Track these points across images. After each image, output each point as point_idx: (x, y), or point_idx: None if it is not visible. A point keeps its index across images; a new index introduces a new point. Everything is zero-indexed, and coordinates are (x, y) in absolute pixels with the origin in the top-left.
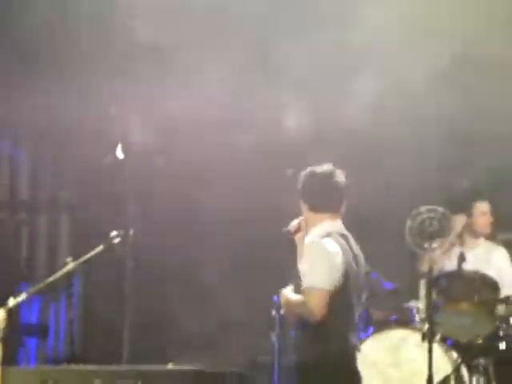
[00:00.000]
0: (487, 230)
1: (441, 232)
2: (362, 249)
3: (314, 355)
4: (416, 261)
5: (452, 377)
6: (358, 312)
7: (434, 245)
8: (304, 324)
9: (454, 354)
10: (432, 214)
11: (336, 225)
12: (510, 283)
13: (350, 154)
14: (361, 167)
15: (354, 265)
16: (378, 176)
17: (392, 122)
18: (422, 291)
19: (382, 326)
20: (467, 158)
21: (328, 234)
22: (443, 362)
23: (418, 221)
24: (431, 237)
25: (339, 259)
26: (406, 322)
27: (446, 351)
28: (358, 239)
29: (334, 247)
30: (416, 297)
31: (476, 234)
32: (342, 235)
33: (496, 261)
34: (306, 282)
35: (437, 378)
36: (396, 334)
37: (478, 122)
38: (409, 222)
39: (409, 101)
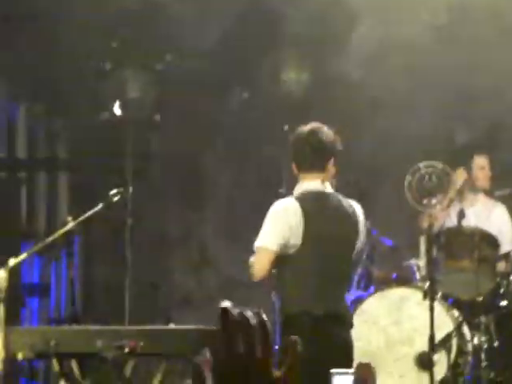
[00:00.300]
0: (486, 184)
1: (440, 188)
2: (363, 205)
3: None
4: (416, 217)
5: (453, 335)
6: (344, 273)
7: (434, 201)
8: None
9: (456, 312)
10: (431, 170)
11: (314, 184)
12: (509, 240)
13: (347, 109)
14: (358, 122)
15: (327, 226)
16: (375, 131)
17: (389, 76)
18: (422, 248)
19: (383, 284)
20: (466, 112)
21: (301, 194)
22: (444, 320)
23: (416, 177)
24: (430, 193)
25: (294, 220)
26: (406, 279)
27: (448, 309)
28: (356, 196)
29: (289, 208)
30: (416, 254)
31: (475, 190)
32: (318, 194)
33: (496, 217)
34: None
35: (438, 336)
36: (397, 293)
37: (478, 76)
38: (408, 178)
39: (407, 55)
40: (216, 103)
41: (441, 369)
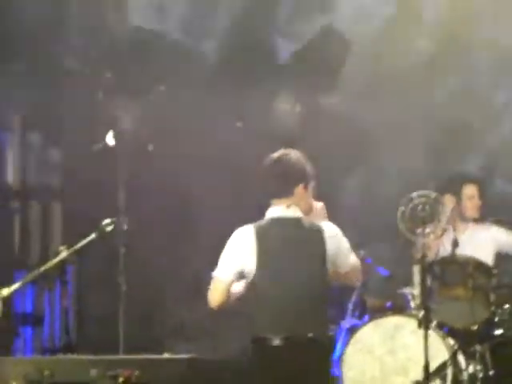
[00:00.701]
0: (476, 213)
1: (433, 217)
2: (355, 235)
3: None
4: (410, 247)
5: (449, 363)
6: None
7: (427, 230)
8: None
9: (451, 341)
10: (424, 200)
11: (277, 209)
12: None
13: (339, 141)
14: (351, 155)
15: (282, 251)
16: (368, 163)
17: (380, 110)
18: (416, 277)
19: (377, 312)
20: (458, 142)
21: (261, 221)
22: (439, 349)
23: (410, 206)
24: (424, 222)
25: (247, 247)
26: (401, 308)
27: (443, 338)
28: (351, 227)
29: (243, 235)
30: (410, 283)
31: (465, 218)
32: (278, 220)
33: (494, 234)
34: None
35: (433, 364)
36: (391, 321)
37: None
38: (401, 208)
39: (397, 88)
40: (208, 134)
41: None
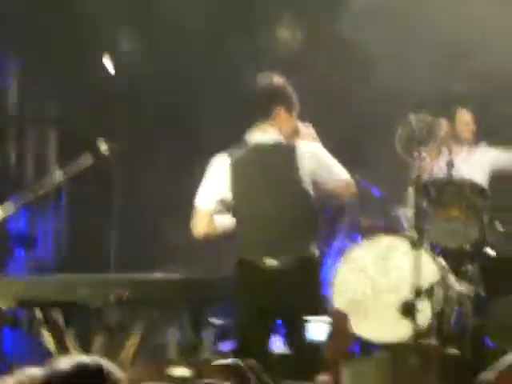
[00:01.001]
0: (470, 137)
1: (429, 139)
2: (354, 156)
3: None
4: (407, 169)
5: (440, 283)
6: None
7: (423, 152)
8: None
9: (442, 262)
10: (422, 122)
11: (254, 134)
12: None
13: (340, 62)
14: (351, 73)
15: (256, 175)
16: (368, 85)
17: (382, 30)
18: (411, 198)
19: (370, 233)
20: (458, 66)
21: (236, 147)
22: (431, 270)
23: (407, 129)
24: (420, 144)
25: (222, 175)
26: (394, 229)
27: (434, 258)
28: (348, 147)
29: (218, 164)
30: (404, 204)
31: (460, 141)
32: (256, 145)
33: (484, 167)
34: None
35: (424, 284)
36: (384, 242)
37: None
38: (399, 130)
39: (401, 12)
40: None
41: (426, 317)
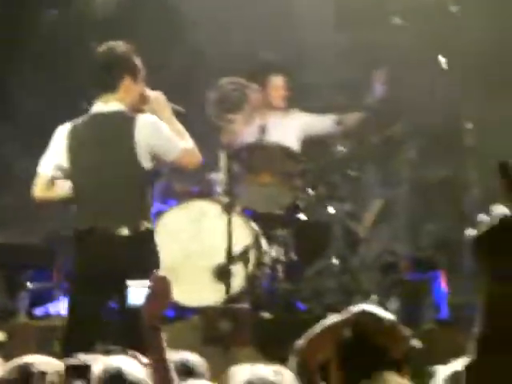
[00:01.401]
0: (282, 103)
1: (242, 104)
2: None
3: None
4: (219, 133)
5: (251, 247)
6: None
7: (235, 116)
8: None
9: (254, 226)
10: (233, 86)
11: (97, 105)
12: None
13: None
14: (170, 39)
15: (89, 146)
16: (186, 48)
17: None
18: (223, 163)
19: (184, 197)
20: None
21: (81, 117)
22: (243, 233)
23: (218, 93)
24: (231, 109)
25: (62, 143)
26: (208, 194)
27: (246, 223)
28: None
29: (58, 134)
30: (218, 169)
31: (272, 107)
32: (96, 116)
33: (297, 132)
34: None
35: (237, 249)
36: (197, 206)
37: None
38: (210, 94)
39: None
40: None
41: (238, 280)
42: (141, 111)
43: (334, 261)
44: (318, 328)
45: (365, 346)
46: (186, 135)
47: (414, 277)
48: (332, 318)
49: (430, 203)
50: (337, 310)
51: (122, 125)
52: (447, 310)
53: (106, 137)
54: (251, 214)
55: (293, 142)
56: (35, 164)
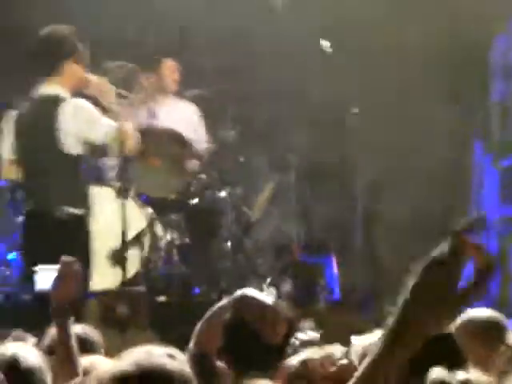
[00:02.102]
0: (174, 87)
1: (128, 88)
2: None
3: None
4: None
5: (146, 231)
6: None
7: (124, 100)
8: None
9: (149, 210)
10: (119, 71)
11: (39, 88)
12: (200, 138)
13: None
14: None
15: (24, 128)
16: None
17: None
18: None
19: None
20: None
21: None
22: (138, 218)
23: (107, 76)
24: (120, 93)
25: (9, 128)
26: (100, 178)
27: (140, 207)
28: None
29: (8, 117)
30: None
31: (165, 91)
32: (36, 100)
33: (188, 117)
34: None
35: (131, 233)
36: (91, 191)
37: None
38: None
39: None
40: None
41: (134, 264)
42: (83, 95)
43: (228, 244)
44: (206, 314)
45: (244, 331)
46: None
47: (307, 259)
48: (220, 303)
49: (320, 186)
50: (231, 293)
51: (51, 109)
52: (339, 291)
53: (38, 121)
54: (145, 199)
55: (185, 127)
56: None
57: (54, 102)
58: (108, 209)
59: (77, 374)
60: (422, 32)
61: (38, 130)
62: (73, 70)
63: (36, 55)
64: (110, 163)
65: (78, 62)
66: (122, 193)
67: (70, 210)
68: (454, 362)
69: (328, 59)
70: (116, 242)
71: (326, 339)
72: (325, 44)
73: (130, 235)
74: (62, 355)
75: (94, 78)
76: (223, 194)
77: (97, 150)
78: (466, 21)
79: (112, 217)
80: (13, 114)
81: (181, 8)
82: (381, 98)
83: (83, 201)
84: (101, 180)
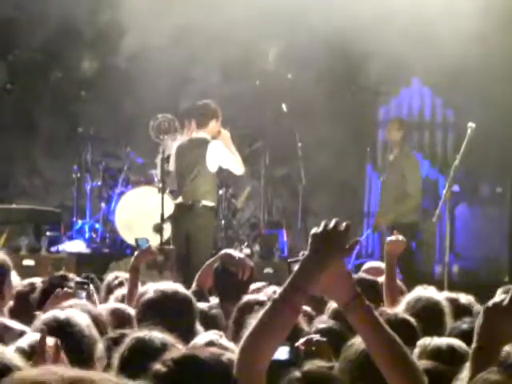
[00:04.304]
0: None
1: (169, 129)
2: (128, 139)
3: None
4: (157, 146)
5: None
6: None
7: (166, 137)
8: None
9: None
10: (164, 118)
11: (195, 134)
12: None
13: None
14: None
15: (189, 155)
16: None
17: None
18: (159, 162)
19: (136, 184)
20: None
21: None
22: (170, 205)
23: (156, 122)
24: (164, 132)
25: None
26: (149, 182)
27: (172, 199)
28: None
29: (175, 145)
30: (156, 167)
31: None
32: (190, 139)
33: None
34: None
35: (166, 213)
36: (144, 188)
37: None
38: (151, 123)
39: None
40: None
41: (167, 232)
42: (215, 139)
43: (222, 222)
44: (206, 262)
45: (225, 273)
46: (238, 157)
47: (268, 232)
48: (212, 258)
49: (277, 189)
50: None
51: (202, 143)
52: (287, 252)
53: (193, 149)
54: (175, 194)
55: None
56: None
57: (203, 140)
58: (154, 199)
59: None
60: None
61: (192, 155)
62: (214, 126)
63: (196, 107)
64: (155, 172)
65: (217, 121)
66: (162, 190)
67: (204, 203)
68: None
69: (285, 115)
70: (157, 219)
71: (278, 280)
72: (283, 107)
73: (166, 215)
74: (131, 283)
75: (223, 131)
76: (220, 192)
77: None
78: None
79: (156, 204)
80: (175, 145)
81: None
82: (319, 135)
83: (213, 197)
84: (150, 182)
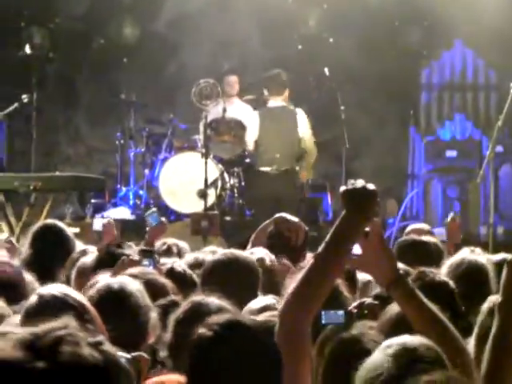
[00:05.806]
0: (234, 92)
1: (211, 95)
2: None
3: None
4: (200, 111)
5: (218, 179)
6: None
7: (208, 102)
8: None
9: (220, 166)
10: (206, 84)
11: (272, 102)
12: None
13: None
14: None
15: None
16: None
17: None
18: (201, 129)
19: (179, 150)
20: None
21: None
22: (214, 170)
23: (198, 88)
24: (207, 98)
25: (255, 122)
26: (193, 147)
27: (215, 164)
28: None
29: (254, 116)
30: (199, 133)
31: (229, 95)
32: (271, 108)
33: (245, 111)
34: None
35: (210, 179)
36: (187, 154)
37: None
38: (193, 89)
39: None
40: None
41: (211, 197)
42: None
43: None
44: (260, 226)
45: (279, 235)
46: None
47: (313, 195)
48: (267, 221)
49: (320, 153)
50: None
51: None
52: (331, 214)
53: (281, 116)
54: (218, 159)
55: (243, 117)
56: None
57: (284, 108)
58: (197, 164)
59: None
60: None
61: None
62: (286, 95)
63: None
64: (199, 138)
65: (288, 89)
66: (205, 156)
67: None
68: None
69: (327, 78)
70: (201, 185)
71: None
72: (326, 70)
73: (210, 180)
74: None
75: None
76: None
77: None
78: None
79: (200, 169)
80: (257, 114)
81: None
82: (362, 101)
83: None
84: (193, 148)
